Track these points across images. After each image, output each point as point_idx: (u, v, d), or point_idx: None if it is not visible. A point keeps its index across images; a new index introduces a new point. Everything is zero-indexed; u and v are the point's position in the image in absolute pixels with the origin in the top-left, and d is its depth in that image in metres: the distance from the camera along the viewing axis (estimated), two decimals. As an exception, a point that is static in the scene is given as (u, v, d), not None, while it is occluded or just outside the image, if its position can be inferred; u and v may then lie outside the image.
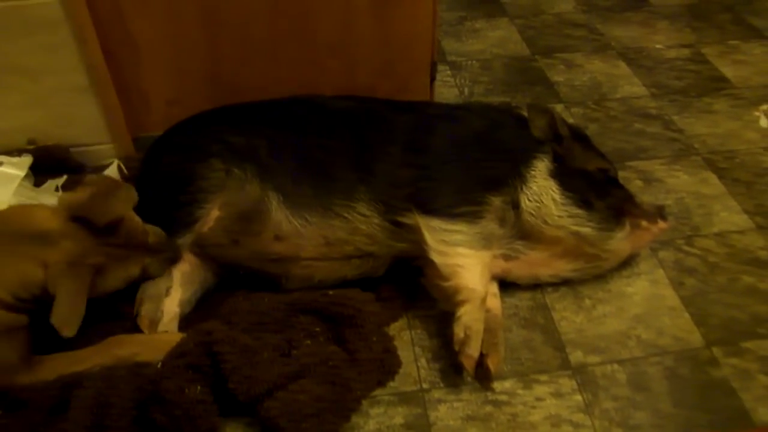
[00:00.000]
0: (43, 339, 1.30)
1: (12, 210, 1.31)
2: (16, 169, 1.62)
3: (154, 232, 1.34)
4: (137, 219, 1.31)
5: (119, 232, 1.26)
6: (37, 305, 1.22)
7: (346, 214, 1.41)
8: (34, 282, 1.18)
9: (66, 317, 1.14)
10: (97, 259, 1.22)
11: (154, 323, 1.35)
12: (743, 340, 1.41)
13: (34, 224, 1.21)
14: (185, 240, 1.39)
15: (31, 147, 1.73)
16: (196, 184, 1.40)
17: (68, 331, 1.14)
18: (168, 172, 1.47)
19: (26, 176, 1.64)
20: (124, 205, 1.27)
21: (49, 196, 1.64)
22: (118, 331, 1.34)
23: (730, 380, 1.34)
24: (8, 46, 1.59)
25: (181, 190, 1.41)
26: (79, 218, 1.22)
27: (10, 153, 1.69)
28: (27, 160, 1.68)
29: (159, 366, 1.24)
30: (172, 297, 1.40)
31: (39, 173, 1.70)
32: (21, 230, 1.21)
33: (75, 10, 1.55)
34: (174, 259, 1.38)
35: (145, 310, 1.35)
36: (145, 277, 1.35)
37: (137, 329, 1.35)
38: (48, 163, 1.72)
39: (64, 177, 1.71)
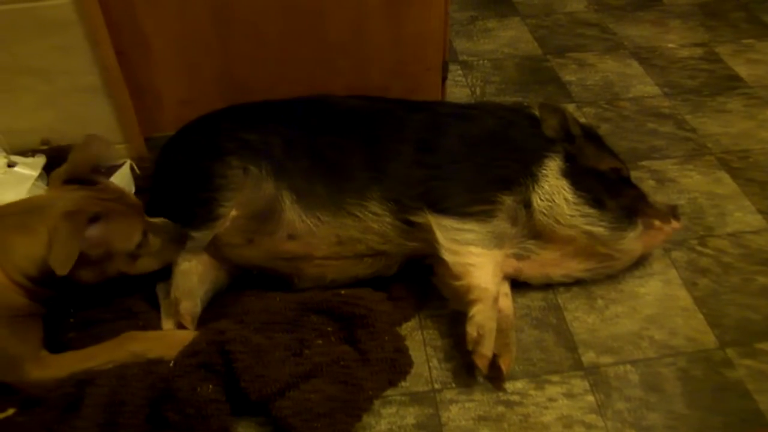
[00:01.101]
0: (57, 340, 1.32)
1: (16, 201, 1.38)
2: (29, 169, 1.63)
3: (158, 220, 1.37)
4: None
5: (109, 187, 1.32)
6: (49, 288, 1.25)
7: (358, 213, 1.41)
8: (40, 252, 1.20)
9: (60, 257, 1.16)
10: (95, 208, 1.24)
11: (195, 318, 1.37)
12: (758, 341, 1.40)
13: (33, 201, 1.30)
14: (205, 236, 1.40)
15: (45, 147, 1.74)
16: (215, 182, 1.40)
17: (60, 269, 1.16)
18: (185, 171, 1.47)
19: (40, 176, 1.65)
20: (99, 148, 1.36)
21: (63, 195, 1.65)
22: (130, 329, 1.34)
23: (744, 382, 1.33)
24: (22, 48, 1.60)
25: (200, 188, 1.41)
26: (70, 180, 1.30)
27: (24, 153, 1.71)
28: (40, 160, 1.69)
29: (171, 365, 1.25)
30: None
31: (52, 173, 1.71)
32: (22, 210, 1.27)
33: (88, 11, 1.56)
34: (181, 240, 1.38)
35: (184, 308, 1.36)
36: (161, 259, 1.36)
37: (149, 327, 1.36)
38: (61, 163, 1.72)
39: (77, 177, 1.73)
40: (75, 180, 1.30)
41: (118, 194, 1.33)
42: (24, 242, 1.22)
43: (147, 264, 1.35)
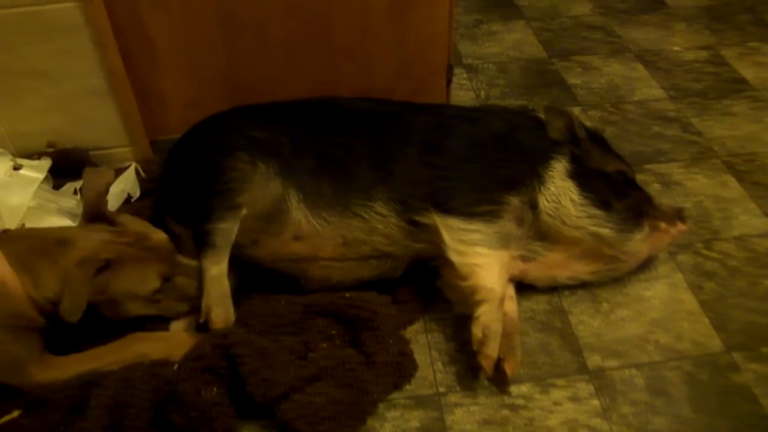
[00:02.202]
0: (63, 339, 1.32)
1: (54, 228, 1.42)
2: (35, 171, 1.64)
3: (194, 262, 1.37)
4: (148, 225, 1.35)
5: (129, 229, 1.30)
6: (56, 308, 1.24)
7: (364, 214, 1.41)
8: (55, 283, 1.21)
9: (71, 307, 1.18)
10: (107, 254, 1.24)
11: (229, 326, 1.34)
12: (764, 345, 1.39)
13: (64, 233, 1.29)
14: (230, 227, 1.37)
15: (51, 150, 1.75)
16: (228, 175, 1.40)
17: (70, 318, 1.18)
18: (197, 168, 1.47)
19: (45, 179, 1.66)
20: (103, 178, 1.35)
21: (68, 198, 1.65)
22: (136, 330, 1.34)
23: (751, 386, 1.32)
24: (28, 51, 1.61)
25: (215, 181, 1.40)
26: (93, 218, 1.31)
27: (29, 156, 1.71)
28: (46, 163, 1.69)
29: (175, 368, 1.25)
30: None
31: (58, 176, 1.72)
32: (55, 239, 1.27)
33: (94, 14, 1.57)
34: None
35: (216, 315, 1.33)
36: (180, 291, 1.35)
37: (155, 328, 1.36)
38: (67, 166, 1.74)
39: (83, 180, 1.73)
40: (96, 217, 1.31)
41: (140, 236, 1.31)
42: (46, 270, 1.23)
43: (174, 307, 1.35)
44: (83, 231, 1.29)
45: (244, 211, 1.39)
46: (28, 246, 1.26)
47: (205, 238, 1.37)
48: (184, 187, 1.47)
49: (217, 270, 1.36)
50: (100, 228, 1.29)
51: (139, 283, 1.29)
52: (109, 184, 1.50)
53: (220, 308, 1.34)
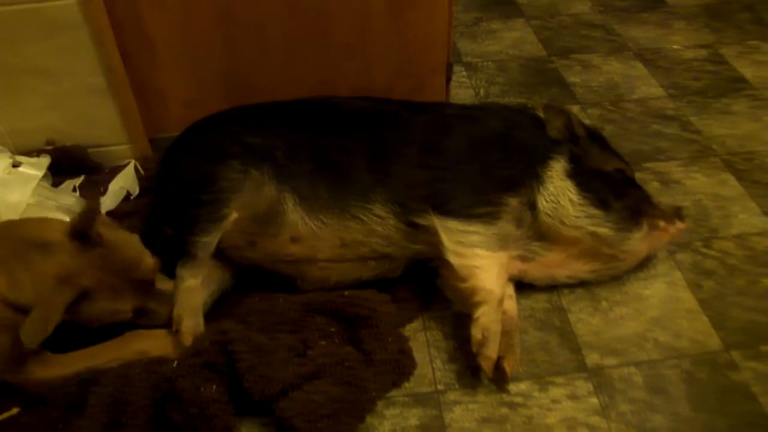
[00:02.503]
0: (61, 341, 1.32)
1: (29, 220, 1.35)
2: (34, 169, 1.64)
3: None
4: (141, 248, 1.29)
5: (113, 259, 1.23)
6: None
7: (361, 216, 1.41)
8: (26, 288, 1.16)
9: (32, 330, 1.12)
10: (87, 282, 1.19)
11: (196, 336, 1.31)
12: (763, 344, 1.39)
13: (41, 234, 1.21)
14: (211, 240, 1.37)
15: (50, 147, 1.75)
16: (218, 185, 1.39)
17: (29, 343, 1.11)
18: (188, 174, 1.46)
19: (44, 176, 1.65)
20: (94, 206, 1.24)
21: (67, 196, 1.65)
22: (134, 328, 1.34)
23: (749, 384, 1.32)
24: (27, 48, 1.60)
25: (204, 190, 1.39)
26: (79, 236, 1.20)
27: (28, 154, 1.71)
28: (45, 160, 1.69)
29: (174, 365, 1.25)
30: None
31: (57, 174, 1.72)
32: (30, 238, 1.21)
33: (93, 12, 1.57)
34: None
35: (186, 326, 1.31)
36: (149, 319, 1.33)
37: (153, 325, 1.35)
38: (66, 163, 1.74)
39: (82, 177, 1.73)
40: (82, 235, 1.20)
41: (128, 266, 1.24)
42: (22, 273, 1.17)
43: (147, 322, 1.33)
44: (70, 244, 1.19)
45: (234, 216, 1.39)
46: (7, 246, 1.20)
47: (185, 247, 1.36)
48: (173, 192, 1.47)
49: (192, 282, 1.35)
50: (88, 248, 1.20)
51: (110, 313, 1.25)
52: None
53: (191, 319, 1.32)
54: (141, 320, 1.32)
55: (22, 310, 1.17)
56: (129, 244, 1.28)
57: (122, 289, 1.25)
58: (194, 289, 1.35)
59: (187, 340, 1.30)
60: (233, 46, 1.74)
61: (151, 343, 1.30)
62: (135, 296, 1.28)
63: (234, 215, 1.40)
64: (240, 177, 1.41)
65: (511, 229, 1.41)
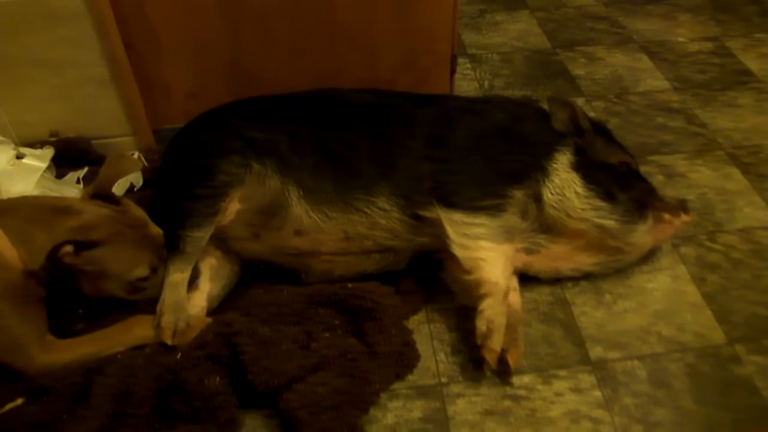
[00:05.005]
0: (66, 331, 1.32)
1: (47, 196, 1.45)
2: (38, 161, 1.64)
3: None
4: (147, 217, 1.37)
5: (131, 212, 1.33)
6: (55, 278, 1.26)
7: (365, 209, 1.41)
8: (47, 249, 1.21)
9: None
10: (105, 232, 1.26)
11: (177, 334, 1.30)
12: (767, 338, 1.39)
13: (61, 200, 1.34)
14: (204, 233, 1.38)
15: (53, 139, 1.75)
16: (218, 179, 1.39)
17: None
18: (189, 167, 1.46)
19: (48, 168, 1.66)
20: (128, 166, 1.44)
21: (71, 187, 1.66)
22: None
23: (753, 378, 1.32)
24: (31, 40, 1.60)
25: (202, 185, 1.40)
26: (98, 196, 1.32)
27: (32, 145, 1.71)
28: (49, 152, 1.69)
29: (179, 356, 1.25)
30: (201, 290, 1.40)
31: (61, 165, 1.72)
32: (50, 204, 1.30)
33: (96, 3, 1.57)
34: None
35: (165, 322, 1.30)
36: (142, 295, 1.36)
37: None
38: (70, 155, 1.74)
39: (86, 169, 1.73)
40: (103, 195, 1.32)
41: (140, 222, 1.33)
42: (41, 237, 1.23)
43: (150, 294, 1.34)
44: (86, 203, 1.30)
45: (233, 208, 1.39)
46: (23, 216, 1.26)
47: (176, 242, 1.36)
48: (172, 184, 1.47)
49: (178, 277, 1.34)
50: (103, 204, 1.31)
51: (130, 266, 1.30)
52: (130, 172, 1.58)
53: (172, 315, 1.31)
54: (137, 295, 1.34)
55: (45, 283, 1.25)
56: (137, 207, 1.38)
57: (139, 242, 1.31)
58: (179, 284, 1.35)
59: (167, 336, 1.29)
60: (237, 37, 1.73)
61: (155, 330, 1.30)
62: (150, 254, 1.32)
63: (236, 206, 1.40)
64: (240, 172, 1.40)
65: (516, 222, 1.41)
